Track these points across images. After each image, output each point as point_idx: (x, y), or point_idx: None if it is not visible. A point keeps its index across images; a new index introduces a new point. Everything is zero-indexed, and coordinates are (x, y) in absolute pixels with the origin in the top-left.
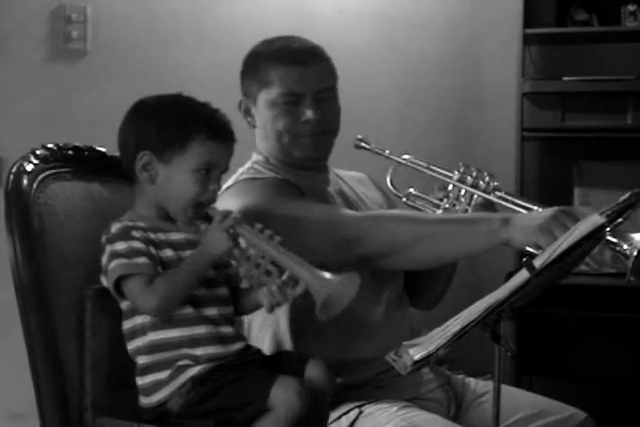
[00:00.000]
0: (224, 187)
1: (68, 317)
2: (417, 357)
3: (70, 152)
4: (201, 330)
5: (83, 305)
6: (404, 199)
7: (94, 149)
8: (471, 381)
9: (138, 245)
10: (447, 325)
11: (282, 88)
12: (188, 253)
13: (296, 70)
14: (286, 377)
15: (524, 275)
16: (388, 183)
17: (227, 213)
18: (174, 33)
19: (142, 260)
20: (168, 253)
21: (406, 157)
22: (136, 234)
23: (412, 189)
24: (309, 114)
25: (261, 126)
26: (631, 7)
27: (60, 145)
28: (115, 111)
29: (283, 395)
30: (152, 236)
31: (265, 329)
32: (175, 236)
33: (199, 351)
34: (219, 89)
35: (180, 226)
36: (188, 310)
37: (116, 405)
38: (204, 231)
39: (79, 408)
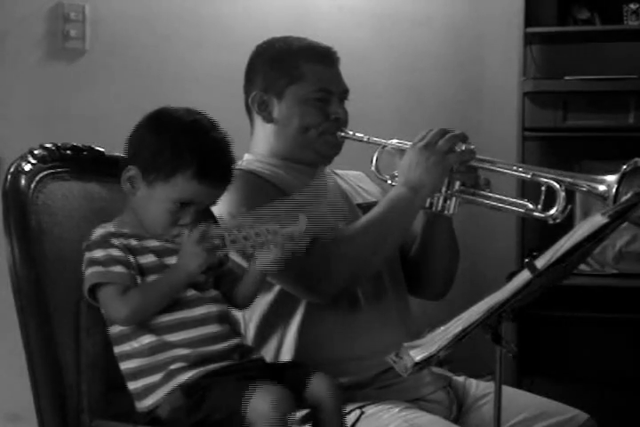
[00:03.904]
0: None
1: (65, 318)
2: (418, 358)
3: (68, 152)
4: (191, 332)
5: (79, 306)
6: (390, 181)
7: (93, 148)
8: (472, 382)
9: (115, 253)
10: (448, 326)
11: (316, 85)
12: (172, 259)
13: (328, 68)
14: (266, 387)
15: (525, 275)
16: (373, 167)
17: (202, 231)
18: (173, 32)
19: (118, 269)
20: (149, 258)
21: (394, 141)
22: (115, 242)
23: (396, 172)
24: (340, 112)
25: (282, 121)
26: (633, 6)
27: (59, 145)
28: (113, 111)
29: (260, 407)
30: (134, 242)
31: (266, 330)
32: (159, 242)
33: (188, 351)
34: (218, 88)
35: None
36: (177, 313)
37: (112, 407)
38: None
39: (77, 410)
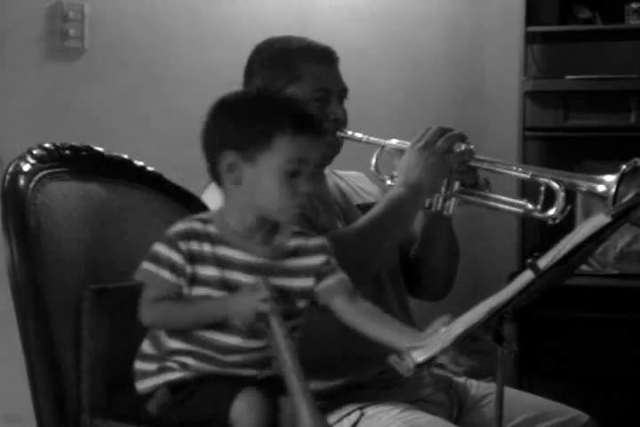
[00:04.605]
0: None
1: (64, 318)
2: (420, 359)
3: (67, 152)
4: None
5: (80, 306)
6: (389, 182)
7: (92, 148)
8: (473, 383)
9: (175, 257)
10: (449, 327)
11: (314, 84)
12: (236, 274)
13: (328, 68)
14: (249, 391)
15: (528, 276)
16: (373, 168)
17: (271, 294)
18: (173, 31)
19: (167, 275)
20: (210, 271)
21: (393, 141)
22: (182, 246)
23: (395, 172)
24: (339, 112)
25: None
26: (635, 5)
27: (58, 144)
28: (112, 110)
29: (242, 410)
30: (206, 249)
31: None
32: (235, 253)
33: (195, 364)
34: (217, 87)
35: (253, 245)
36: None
37: (113, 407)
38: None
39: (76, 410)
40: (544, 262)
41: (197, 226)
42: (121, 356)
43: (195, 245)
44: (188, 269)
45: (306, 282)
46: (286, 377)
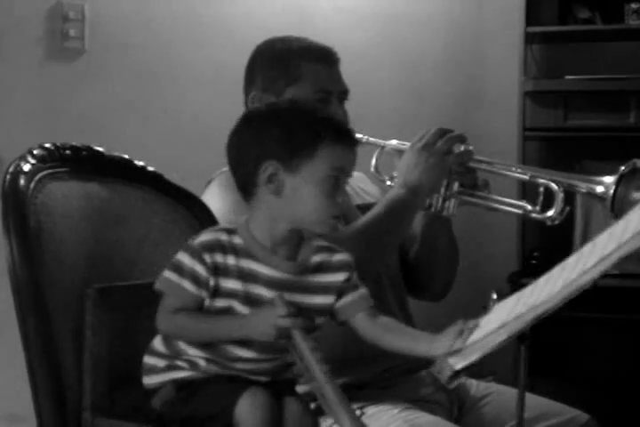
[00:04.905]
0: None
1: (65, 317)
2: (458, 366)
3: (68, 152)
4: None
5: (81, 305)
6: (389, 182)
7: (92, 148)
8: (473, 383)
9: (199, 269)
10: (488, 333)
11: (315, 85)
12: (259, 288)
13: (328, 69)
14: (254, 390)
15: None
16: (373, 168)
17: (289, 310)
18: (173, 32)
19: (189, 286)
20: (232, 284)
21: (393, 142)
22: (207, 258)
23: (395, 173)
24: (339, 113)
25: None
26: (634, 5)
27: (58, 145)
28: (113, 110)
29: (246, 409)
30: (230, 261)
31: None
32: (259, 267)
33: (205, 365)
34: (217, 88)
35: (277, 260)
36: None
37: (115, 405)
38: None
39: (77, 409)
40: (596, 271)
41: (223, 237)
42: (123, 355)
43: (219, 258)
44: (212, 281)
45: (327, 299)
46: (321, 391)
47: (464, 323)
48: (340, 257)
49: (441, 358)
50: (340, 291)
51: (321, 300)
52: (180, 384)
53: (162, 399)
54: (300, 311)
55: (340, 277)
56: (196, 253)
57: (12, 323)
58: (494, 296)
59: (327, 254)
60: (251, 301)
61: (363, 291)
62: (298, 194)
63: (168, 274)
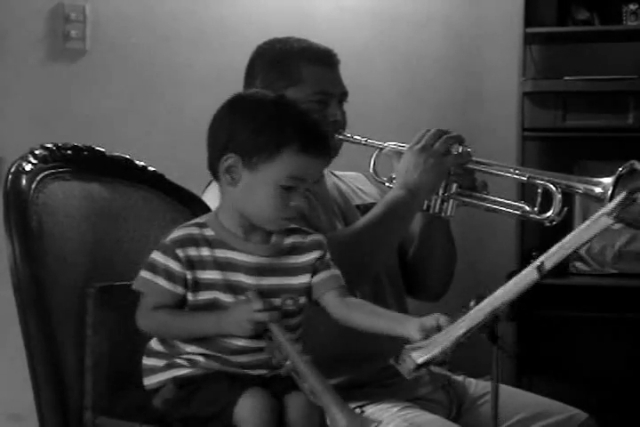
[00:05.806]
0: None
1: (66, 317)
2: (420, 360)
3: (69, 152)
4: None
5: (82, 305)
6: (388, 184)
7: (93, 148)
8: (472, 382)
9: (172, 265)
10: (450, 328)
11: (314, 87)
12: (238, 275)
13: (329, 71)
14: (254, 390)
15: (532, 276)
16: (371, 170)
17: (261, 304)
18: (174, 32)
19: (163, 283)
20: (211, 274)
21: (391, 143)
22: (180, 253)
23: (394, 174)
24: (338, 114)
25: None
26: (632, 6)
27: (59, 145)
28: (114, 111)
29: (247, 409)
30: (205, 253)
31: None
32: (234, 255)
33: (203, 361)
34: (218, 89)
35: (251, 246)
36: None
37: (116, 405)
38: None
39: (78, 409)
40: (549, 264)
41: (194, 231)
42: (124, 354)
43: (192, 251)
44: (189, 275)
45: (305, 279)
46: (304, 381)
47: (440, 317)
48: (312, 237)
49: (405, 350)
50: (314, 270)
51: (299, 280)
52: (180, 382)
53: (163, 398)
54: (275, 307)
55: (313, 255)
56: (169, 250)
57: (14, 322)
58: (472, 304)
59: (300, 235)
60: (232, 289)
61: (335, 270)
62: (251, 191)
63: (143, 273)
